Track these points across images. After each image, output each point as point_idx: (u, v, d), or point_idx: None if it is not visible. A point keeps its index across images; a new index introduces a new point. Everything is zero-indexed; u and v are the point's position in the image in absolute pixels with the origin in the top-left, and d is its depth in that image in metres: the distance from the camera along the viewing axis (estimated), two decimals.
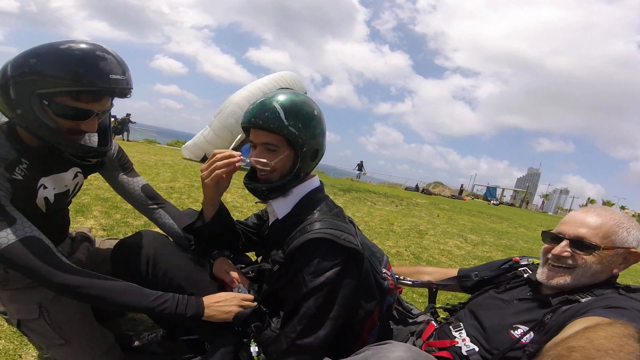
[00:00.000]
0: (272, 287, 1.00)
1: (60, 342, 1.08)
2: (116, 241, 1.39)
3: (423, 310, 1.38)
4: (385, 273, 1.11)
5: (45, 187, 1.02)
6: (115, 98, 0.95)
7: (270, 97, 0.97)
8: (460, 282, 1.35)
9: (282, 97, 0.96)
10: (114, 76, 0.87)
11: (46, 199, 1.03)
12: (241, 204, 4.49)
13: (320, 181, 1.12)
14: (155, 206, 1.26)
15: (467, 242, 4.59)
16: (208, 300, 0.99)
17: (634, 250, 0.97)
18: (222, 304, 0.99)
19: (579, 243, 0.98)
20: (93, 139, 1.09)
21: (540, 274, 1.06)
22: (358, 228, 1.15)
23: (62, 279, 0.87)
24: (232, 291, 1.07)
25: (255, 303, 1.03)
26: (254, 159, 0.99)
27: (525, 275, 1.14)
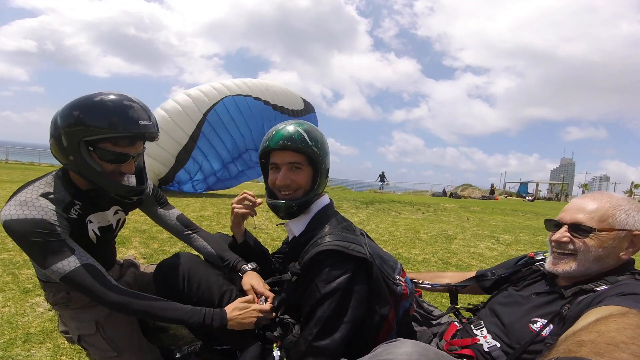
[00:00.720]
0: (291, 296, 1.11)
1: (114, 355, 1.25)
2: None
3: (444, 312, 1.39)
4: (398, 279, 1.16)
5: (91, 222, 1.19)
6: (147, 142, 1.14)
7: (290, 123, 1.13)
8: (479, 282, 1.36)
9: (300, 124, 1.13)
10: (142, 122, 1.05)
11: (93, 231, 1.21)
12: (267, 225, 4.62)
13: (330, 199, 1.25)
14: (190, 232, 1.44)
15: (499, 243, 4.43)
16: (230, 312, 1.11)
17: (638, 232, 0.96)
18: (243, 315, 1.10)
19: (576, 227, 1.00)
20: (131, 180, 1.26)
21: (548, 263, 1.08)
22: (370, 238, 1.23)
23: (113, 297, 1.04)
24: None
25: (273, 313, 1.14)
26: (283, 178, 1.12)
27: (542, 270, 1.15)
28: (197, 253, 1.39)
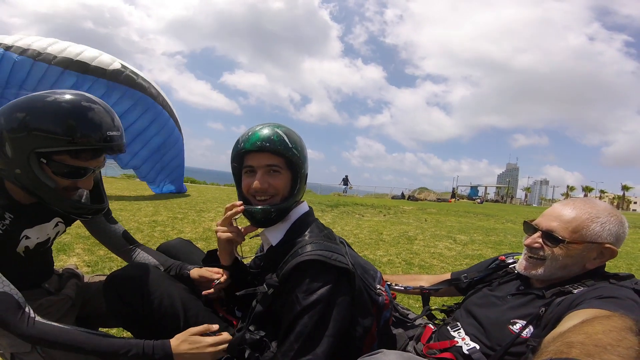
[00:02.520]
0: (268, 309, 0.99)
1: None
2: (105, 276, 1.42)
3: (419, 314, 1.38)
4: (379, 289, 1.11)
5: (28, 238, 1.02)
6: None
7: (267, 125, 1.03)
8: (453, 284, 1.36)
9: (278, 126, 1.04)
10: (110, 132, 0.88)
11: (27, 247, 1.04)
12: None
13: (309, 206, 1.15)
14: (132, 247, 1.31)
15: (456, 243, 4.63)
16: (177, 346, 0.94)
17: (608, 245, 0.96)
18: (194, 351, 0.94)
19: (548, 235, 1.01)
20: (83, 193, 1.10)
21: (519, 264, 1.09)
22: (350, 246, 1.17)
23: (29, 332, 0.86)
24: (213, 286, 1.12)
25: (229, 339, 1.01)
26: (260, 182, 1.01)
27: (516, 271, 1.15)
28: None
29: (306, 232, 1.03)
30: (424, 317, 1.34)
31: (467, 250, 4.23)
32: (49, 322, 0.91)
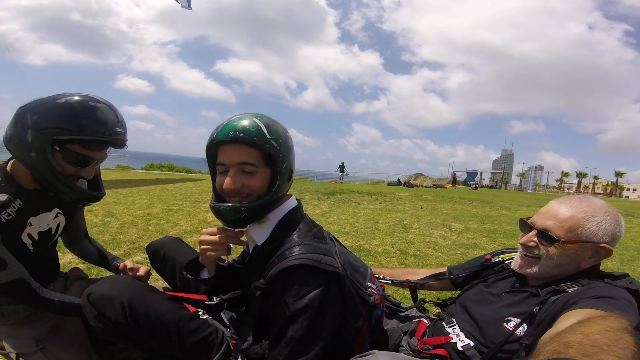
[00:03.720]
0: (256, 312, 0.97)
1: None
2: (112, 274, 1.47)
3: (411, 306, 1.38)
4: (370, 287, 1.09)
5: (31, 225, 1.10)
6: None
7: (246, 115, 0.94)
8: (449, 278, 1.35)
9: (258, 116, 0.95)
10: (117, 128, 1.02)
11: (30, 235, 1.10)
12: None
13: (298, 200, 1.09)
14: (84, 239, 1.48)
15: (451, 232, 4.66)
16: None
17: (603, 244, 0.96)
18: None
19: (544, 234, 1.00)
20: (83, 185, 1.20)
21: (514, 262, 1.09)
22: (340, 243, 1.13)
23: (47, 295, 1.05)
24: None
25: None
26: (231, 182, 0.93)
27: (512, 268, 1.14)
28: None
29: (294, 231, 0.98)
30: (417, 310, 1.35)
31: (462, 239, 4.26)
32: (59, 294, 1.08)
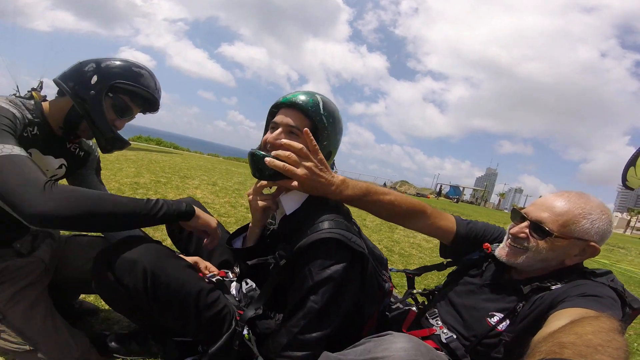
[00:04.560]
0: (275, 282, 0.97)
1: (26, 348, 1.00)
2: (85, 238, 1.31)
3: (402, 297, 1.41)
4: (384, 274, 1.11)
5: (30, 156, 1.00)
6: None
7: (310, 91, 1.03)
8: (450, 246, 1.24)
9: (320, 94, 1.03)
10: (158, 93, 1.16)
11: None
12: (212, 200, 4.36)
13: None
14: None
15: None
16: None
17: (593, 244, 0.94)
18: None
19: (537, 227, 0.97)
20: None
21: (499, 250, 1.05)
22: (360, 230, 1.15)
23: (50, 196, 0.80)
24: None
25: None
26: (275, 137, 0.99)
27: (496, 255, 1.11)
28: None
29: (325, 206, 0.99)
30: (409, 299, 1.36)
31: None
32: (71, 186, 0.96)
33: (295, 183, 0.96)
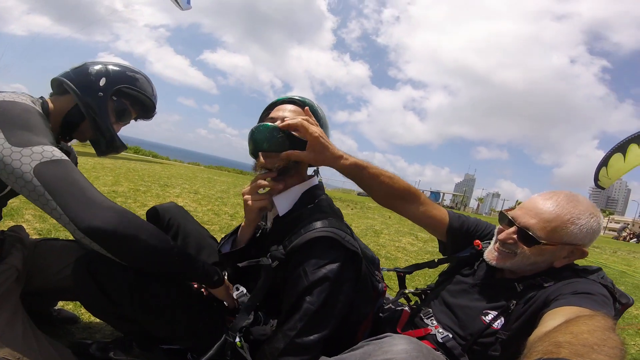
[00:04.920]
0: (267, 285, 0.94)
1: None
2: (58, 243, 1.25)
3: (394, 297, 1.40)
4: (377, 275, 1.11)
5: None
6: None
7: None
8: (442, 241, 1.26)
9: (312, 101, 1.08)
10: (155, 99, 1.18)
11: None
12: (195, 208, 4.27)
13: (320, 181, 1.12)
14: None
15: (418, 240, 4.86)
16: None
17: (581, 247, 0.94)
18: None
19: (524, 233, 0.96)
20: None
21: (487, 253, 1.05)
22: (352, 231, 1.14)
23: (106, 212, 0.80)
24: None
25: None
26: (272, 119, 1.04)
27: (485, 258, 1.10)
28: None
29: (316, 205, 0.99)
30: (401, 299, 1.35)
31: (428, 247, 4.46)
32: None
33: (303, 152, 0.96)
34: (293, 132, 0.97)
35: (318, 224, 0.90)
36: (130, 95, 1.11)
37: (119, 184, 4.82)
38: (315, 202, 1.01)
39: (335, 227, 0.91)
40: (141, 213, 3.60)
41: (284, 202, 1.03)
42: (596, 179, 7.54)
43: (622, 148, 6.83)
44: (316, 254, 0.87)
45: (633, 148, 6.63)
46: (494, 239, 1.06)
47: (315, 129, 0.95)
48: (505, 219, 1.03)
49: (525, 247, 0.95)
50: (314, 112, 1.04)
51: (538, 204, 0.97)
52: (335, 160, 0.99)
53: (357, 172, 1.03)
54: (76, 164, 1.28)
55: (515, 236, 0.97)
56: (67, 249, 1.21)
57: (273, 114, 1.04)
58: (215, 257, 1.22)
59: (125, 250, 0.81)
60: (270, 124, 0.97)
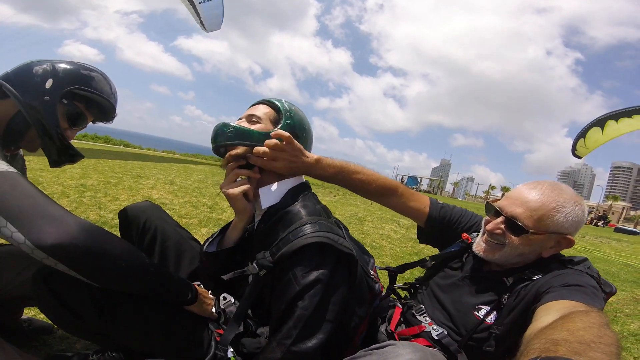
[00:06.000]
0: (253, 295, 0.88)
1: None
2: (13, 247, 1.12)
3: (384, 294, 1.37)
4: (373, 275, 1.06)
5: None
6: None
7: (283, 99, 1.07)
8: (424, 231, 1.26)
9: (290, 103, 1.05)
10: (115, 99, 1.06)
11: None
12: (171, 200, 4.07)
13: (306, 180, 1.07)
14: None
15: (400, 227, 4.91)
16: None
17: (568, 236, 0.94)
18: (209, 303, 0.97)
19: (512, 222, 0.95)
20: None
21: (476, 245, 1.04)
22: (346, 228, 1.10)
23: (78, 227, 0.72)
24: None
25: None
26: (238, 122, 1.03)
27: (474, 251, 1.10)
28: None
29: (300, 199, 0.94)
30: (392, 295, 1.33)
31: (410, 233, 4.51)
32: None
33: (278, 164, 0.97)
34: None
35: (307, 229, 0.84)
36: (84, 97, 0.98)
37: (87, 176, 4.52)
38: (301, 199, 0.96)
39: (326, 230, 0.85)
40: (113, 207, 3.43)
41: (268, 195, 0.97)
42: (574, 149, 7.94)
43: (600, 123, 7.24)
44: (307, 258, 0.82)
45: (611, 123, 7.08)
46: (482, 230, 1.05)
47: (281, 162, 0.96)
48: (492, 210, 1.02)
49: (513, 237, 0.95)
50: (290, 118, 1.00)
51: (523, 193, 0.97)
52: (307, 173, 1.02)
53: (330, 180, 1.08)
54: (23, 163, 1.15)
55: (502, 226, 0.97)
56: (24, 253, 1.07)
57: (246, 112, 1.04)
58: (196, 261, 1.13)
59: (97, 271, 0.74)
60: (224, 122, 0.99)
